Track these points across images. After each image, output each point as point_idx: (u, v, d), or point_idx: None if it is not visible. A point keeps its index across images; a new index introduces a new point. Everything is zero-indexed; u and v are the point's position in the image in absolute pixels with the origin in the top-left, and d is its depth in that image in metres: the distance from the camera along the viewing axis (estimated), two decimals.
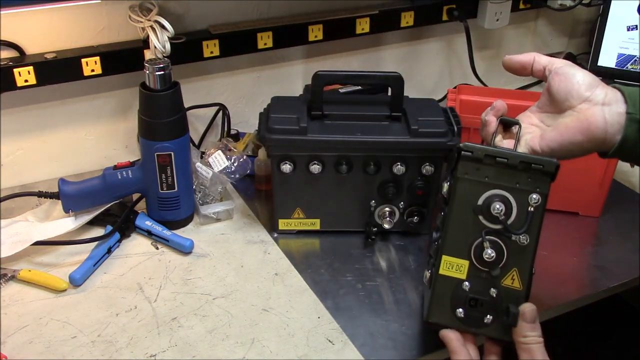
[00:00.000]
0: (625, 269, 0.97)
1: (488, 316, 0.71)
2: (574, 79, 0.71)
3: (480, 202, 0.70)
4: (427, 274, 0.76)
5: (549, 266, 0.97)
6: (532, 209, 0.69)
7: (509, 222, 0.70)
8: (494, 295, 0.70)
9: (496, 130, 0.75)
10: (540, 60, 0.75)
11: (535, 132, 0.75)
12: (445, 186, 0.74)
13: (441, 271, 0.71)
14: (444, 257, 0.71)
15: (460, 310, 0.71)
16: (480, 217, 0.70)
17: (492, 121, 0.75)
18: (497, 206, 0.69)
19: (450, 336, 0.71)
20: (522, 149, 0.74)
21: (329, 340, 0.82)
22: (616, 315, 1.58)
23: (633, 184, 1.17)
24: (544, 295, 0.91)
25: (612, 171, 1.03)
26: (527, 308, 0.69)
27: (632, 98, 0.70)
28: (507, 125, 0.76)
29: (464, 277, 0.71)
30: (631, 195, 1.15)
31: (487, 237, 0.70)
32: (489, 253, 0.69)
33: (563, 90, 0.72)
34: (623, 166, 1.08)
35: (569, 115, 0.72)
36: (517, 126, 0.74)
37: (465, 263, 0.71)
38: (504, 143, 0.75)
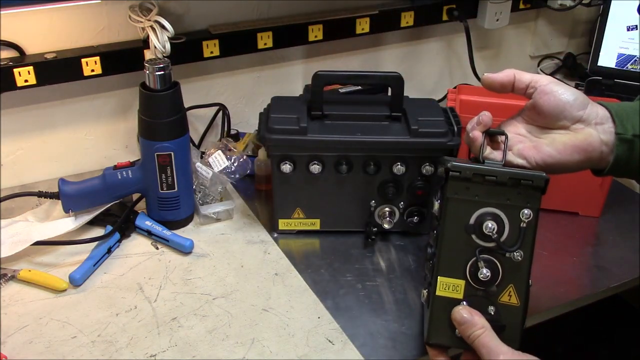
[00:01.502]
0: (625, 269, 0.97)
1: None
2: (563, 97, 0.71)
3: (472, 221, 0.70)
4: (425, 292, 0.76)
5: (549, 266, 0.97)
6: (524, 224, 0.69)
7: (502, 239, 0.69)
8: (492, 313, 0.70)
9: (484, 144, 0.73)
10: (522, 77, 0.73)
11: (525, 141, 0.74)
12: (436, 205, 0.73)
13: (438, 292, 0.71)
14: (440, 278, 0.71)
15: None
16: (473, 236, 0.70)
17: (479, 137, 0.73)
18: (490, 225, 0.68)
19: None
20: (514, 157, 0.73)
21: (329, 340, 0.82)
22: (616, 315, 1.59)
23: (633, 184, 1.17)
24: (544, 295, 0.91)
25: None
26: (452, 312, 0.70)
27: (619, 117, 0.70)
28: (494, 135, 0.75)
29: (461, 296, 0.70)
30: (631, 195, 1.15)
31: (481, 256, 0.69)
32: (484, 273, 0.68)
33: (554, 110, 0.71)
34: None
35: (565, 134, 0.72)
36: (504, 137, 0.73)
37: (462, 283, 0.70)
38: (494, 154, 0.74)
